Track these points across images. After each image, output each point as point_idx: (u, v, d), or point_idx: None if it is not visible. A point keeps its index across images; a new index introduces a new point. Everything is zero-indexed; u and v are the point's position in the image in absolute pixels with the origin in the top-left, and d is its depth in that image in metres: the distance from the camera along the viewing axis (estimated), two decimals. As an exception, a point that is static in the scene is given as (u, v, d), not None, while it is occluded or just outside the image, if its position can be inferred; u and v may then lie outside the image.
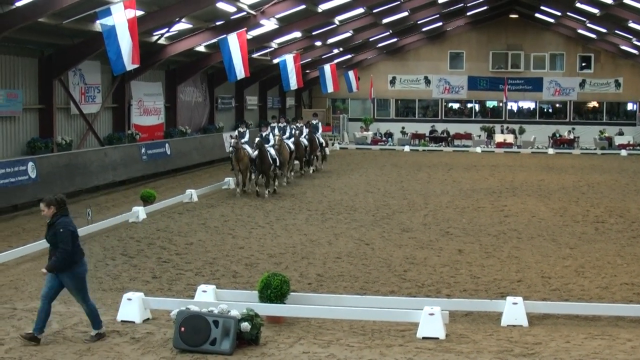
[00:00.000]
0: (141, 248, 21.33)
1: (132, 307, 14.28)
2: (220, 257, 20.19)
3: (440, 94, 68.40)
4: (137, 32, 25.52)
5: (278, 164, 33.16)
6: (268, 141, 32.78)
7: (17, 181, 26.97)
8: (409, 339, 13.25)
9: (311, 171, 41.37)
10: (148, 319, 14.36)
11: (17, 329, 13.75)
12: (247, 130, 33.63)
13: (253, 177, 33.35)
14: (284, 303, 14.24)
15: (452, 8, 56.96)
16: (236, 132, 33.09)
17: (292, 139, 37.69)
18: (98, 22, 26.28)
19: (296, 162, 39.61)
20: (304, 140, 39.42)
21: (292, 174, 38.66)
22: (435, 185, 36.33)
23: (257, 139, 32.05)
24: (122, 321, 14.18)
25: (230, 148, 32.39)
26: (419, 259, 19.95)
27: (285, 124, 38.92)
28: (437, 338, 13.16)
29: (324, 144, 43.39)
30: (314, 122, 42.77)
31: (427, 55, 68.04)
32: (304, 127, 40.52)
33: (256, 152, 31.79)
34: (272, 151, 32.63)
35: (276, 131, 35.39)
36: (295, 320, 14.26)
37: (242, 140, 32.28)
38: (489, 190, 34.43)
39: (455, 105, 69.82)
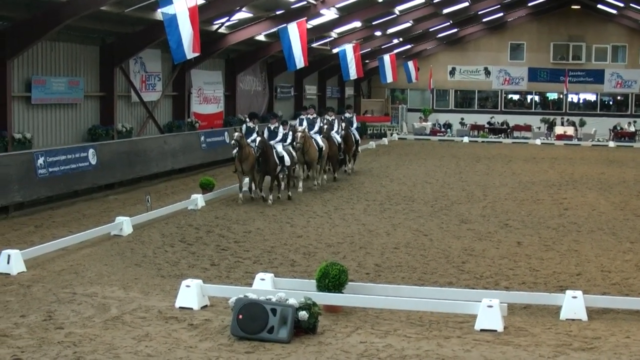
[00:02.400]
0: (200, 235, 21.44)
1: (190, 293, 14.35)
2: (278, 246, 20.24)
3: (500, 85, 67.92)
4: (197, 21, 25.61)
5: (288, 163, 27.95)
6: (276, 136, 27.91)
7: (77, 167, 27.23)
8: (466, 330, 13.18)
9: (348, 171, 36.34)
10: (206, 305, 14.43)
11: (77, 314, 13.89)
12: (257, 126, 28.24)
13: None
14: (342, 292, 14.22)
15: (513, -2, 56.65)
16: (243, 126, 28.20)
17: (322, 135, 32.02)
18: (159, 10, 26.41)
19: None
20: (337, 137, 33.68)
21: (325, 177, 33.08)
22: (494, 176, 36.11)
23: (259, 134, 27.21)
24: (180, 307, 14.25)
25: (233, 142, 26.63)
26: (478, 251, 19.84)
27: (315, 115, 32.83)
28: (495, 330, 13.06)
29: (359, 141, 37.98)
30: (348, 115, 37.59)
31: (487, 46, 67.59)
32: (335, 120, 34.51)
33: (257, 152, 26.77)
34: (279, 148, 27.63)
35: (304, 124, 31.35)
36: (352, 310, 14.24)
37: (251, 138, 27.13)
38: (548, 182, 34.14)
39: (515, 97, 69.29)
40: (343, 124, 35.39)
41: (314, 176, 31.37)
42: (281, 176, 28.66)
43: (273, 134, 27.86)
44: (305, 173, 31.66)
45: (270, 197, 26.81)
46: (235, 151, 26.75)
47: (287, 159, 27.73)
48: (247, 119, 29.29)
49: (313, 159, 30.22)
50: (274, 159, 26.93)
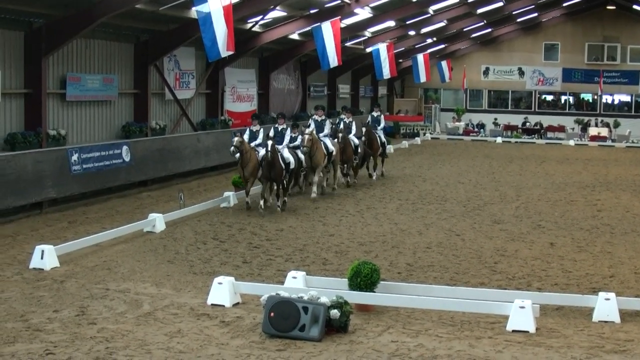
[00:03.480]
0: (232, 233, 21.50)
1: (222, 291, 14.40)
2: (310, 244, 20.26)
3: (533, 86, 67.56)
4: (232, 19, 25.65)
5: (292, 167, 26.04)
6: (282, 138, 26.00)
7: (111, 164, 27.36)
8: (498, 331, 13.15)
9: (374, 178, 33.75)
10: (238, 303, 14.48)
11: (110, 309, 13.97)
12: (262, 129, 26.22)
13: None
14: (374, 291, 14.22)
15: (548, -2, 56.36)
16: (247, 130, 26.30)
17: (336, 138, 30.05)
18: (194, 8, 26.47)
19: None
20: (354, 139, 31.37)
21: (340, 180, 31.06)
22: (527, 177, 35.95)
23: (269, 137, 25.04)
24: (212, 305, 14.31)
25: (232, 149, 24.81)
26: (510, 251, 19.77)
27: (324, 117, 30.05)
28: (527, 331, 13.02)
29: (386, 143, 35.72)
30: (375, 114, 35.09)
31: (521, 46, 67.26)
32: (352, 121, 32.05)
33: (262, 153, 24.87)
34: (286, 152, 25.77)
35: (312, 126, 28.86)
36: (384, 309, 14.24)
37: (255, 142, 25.67)
38: (582, 183, 33.96)
39: (549, 97, 68.93)
40: (364, 129, 32.69)
41: (311, 181, 28.23)
42: (293, 182, 27.26)
43: (279, 135, 25.87)
44: (319, 177, 28.48)
45: (279, 203, 25.17)
46: (233, 153, 24.82)
47: (293, 164, 25.85)
48: (252, 120, 27.08)
49: (318, 164, 27.74)
50: (280, 164, 24.85)
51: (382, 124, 34.79)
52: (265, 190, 25.26)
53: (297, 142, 26.59)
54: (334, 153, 29.10)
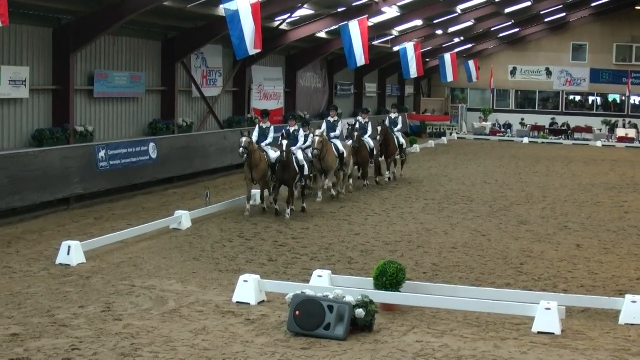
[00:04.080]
0: (258, 231, 21.52)
1: (248, 289, 14.43)
2: (336, 243, 20.26)
3: (561, 86, 67.22)
4: (259, 17, 25.68)
5: (306, 172, 24.93)
6: (296, 140, 25.03)
7: (138, 161, 27.45)
8: (523, 332, 13.10)
9: (387, 179, 32.61)
10: (263, 301, 14.49)
11: (135, 306, 14.02)
12: (272, 127, 25.26)
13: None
14: (399, 291, 14.21)
15: (576, -2, 56.08)
16: (255, 129, 25.06)
17: (350, 140, 29.43)
18: (221, 6, 26.51)
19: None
20: (369, 141, 30.39)
21: (347, 186, 29.28)
22: (554, 178, 35.81)
23: (283, 137, 23.84)
24: (237, 302, 14.34)
25: (241, 150, 23.46)
26: (536, 253, 19.70)
27: (336, 117, 28.99)
28: (553, 333, 12.96)
29: (404, 145, 33.80)
30: (393, 115, 33.79)
31: (549, 46, 66.94)
32: (369, 122, 30.95)
33: (275, 155, 24.10)
34: (300, 155, 24.66)
35: (323, 127, 27.98)
36: (409, 309, 14.21)
37: (265, 142, 24.64)
38: (609, 185, 33.78)
39: (577, 98, 68.56)
40: (379, 128, 31.61)
41: (329, 185, 27.37)
42: (300, 187, 25.52)
43: (292, 137, 24.70)
44: (324, 182, 27.54)
45: (288, 210, 23.72)
46: (242, 154, 23.60)
47: (307, 167, 24.77)
48: (262, 117, 25.95)
49: (330, 167, 26.85)
50: (294, 167, 23.85)
51: (400, 126, 33.64)
52: (277, 194, 24.05)
53: (308, 143, 25.41)
54: (346, 155, 28.05)
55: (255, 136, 24.37)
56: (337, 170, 27.74)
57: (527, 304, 13.61)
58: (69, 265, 16.96)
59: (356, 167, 30.26)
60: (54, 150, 24.09)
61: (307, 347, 12.06)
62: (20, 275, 16.11)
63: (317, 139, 25.45)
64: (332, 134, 28.00)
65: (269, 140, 24.65)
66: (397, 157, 33.38)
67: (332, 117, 28.80)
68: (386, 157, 32.38)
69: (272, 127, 25.08)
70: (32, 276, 16.10)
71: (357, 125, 30.27)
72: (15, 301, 14.13)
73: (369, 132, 30.75)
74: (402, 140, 33.46)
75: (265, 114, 25.79)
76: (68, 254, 17.13)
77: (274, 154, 24.17)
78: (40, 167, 22.99)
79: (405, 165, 34.83)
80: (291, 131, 24.96)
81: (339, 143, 27.90)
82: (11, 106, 24.22)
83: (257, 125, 25.29)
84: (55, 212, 23.48)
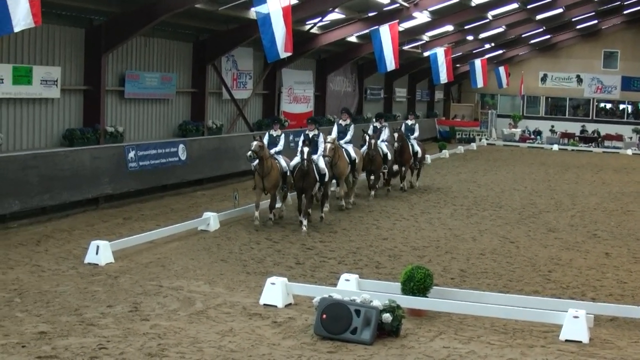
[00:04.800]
0: (286, 234, 21.52)
1: (275, 291, 14.44)
2: (363, 247, 20.24)
3: (591, 93, 66.86)
4: (290, 21, 25.69)
5: (326, 179, 23.54)
6: (316, 146, 23.14)
7: (167, 162, 27.54)
8: (551, 340, 13.04)
9: (404, 188, 31.44)
10: (290, 304, 14.50)
11: (163, 306, 14.07)
12: (283, 134, 23.74)
13: (284, 200, 24.50)
14: (426, 296, 14.19)
15: (608, 6, 55.67)
16: (266, 135, 23.51)
17: (367, 145, 28.22)
18: (253, 9, 26.56)
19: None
20: (383, 147, 29.02)
21: (353, 197, 27.47)
22: (584, 186, 35.65)
23: (305, 144, 22.37)
24: (264, 305, 14.35)
25: (250, 154, 22.17)
26: (565, 260, 19.60)
27: (348, 121, 27.25)
28: (581, 342, 12.89)
29: (419, 153, 32.31)
30: (410, 122, 32.79)
31: (580, 53, 66.61)
32: (385, 128, 29.90)
33: (295, 162, 22.95)
34: (322, 162, 23.21)
35: (334, 132, 26.75)
36: (436, 315, 14.18)
37: (275, 150, 23.11)
38: (639, 193, 33.57)
39: (607, 106, 68.19)
40: (396, 134, 30.51)
41: (340, 195, 26.26)
42: (319, 195, 24.05)
43: (312, 143, 22.88)
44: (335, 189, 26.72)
45: (305, 222, 22.18)
46: (255, 164, 22.40)
47: (327, 174, 23.45)
48: (272, 123, 24.72)
49: (342, 174, 25.77)
50: (314, 175, 22.47)
51: (416, 133, 32.54)
52: (300, 202, 22.54)
53: (281, 144, 23.47)
54: (357, 161, 26.90)
55: (265, 143, 22.82)
56: (346, 177, 26.60)
57: (555, 312, 13.55)
58: (97, 264, 17.03)
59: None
60: (85, 150, 24.21)
61: (334, 350, 12.06)
62: (48, 274, 16.19)
63: (328, 145, 24.27)
64: (343, 140, 26.47)
65: (279, 147, 23.22)
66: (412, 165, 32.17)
67: (344, 121, 27.23)
68: (400, 165, 30.96)
69: (283, 135, 23.67)
70: (60, 275, 16.18)
71: (370, 129, 29.36)
72: (43, 299, 14.21)
73: (383, 136, 29.57)
74: (417, 148, 32.20)
75: (312, 120, 24.54)
76: (97, 253, 17.21)
77: (284, 163, 23.09)
78: (70, 166, 23.11)
79: (422, 174, 33.75)
80: (310, 136, 23.26)
81: (350, 149, 26.76)
82: (42, 106, 24.36)
83: (267, 132, 23.82)
84: (85, 211, 23.60)
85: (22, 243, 18.98)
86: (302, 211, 22.33)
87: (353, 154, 26.68)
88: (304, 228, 21.93)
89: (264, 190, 22.56)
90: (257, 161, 22.23)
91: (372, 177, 29.00)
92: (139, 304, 14.13)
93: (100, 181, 24.26)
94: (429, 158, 39.40)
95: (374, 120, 31.08)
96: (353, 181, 27.29)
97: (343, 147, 26.27)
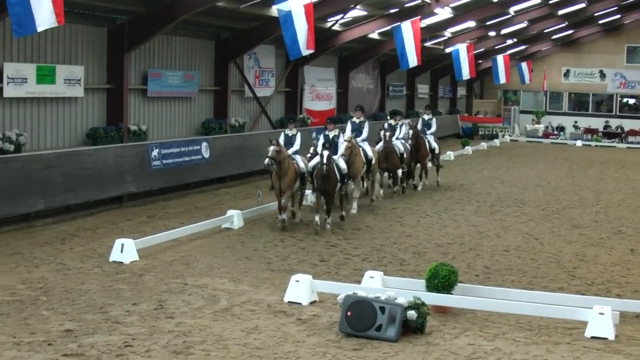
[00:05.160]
0: (309, 231, 21.54)
1: (299, 289, 14.46)
2: (387, 244, 20.23)
3: (615, 89, 66.47)
4: (312, 18, 25.68)
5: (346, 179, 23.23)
6: (336, 147, 22.86)
7: (191, 160, 27.61)
8: (576, 337, 13.00)
9: (419, 188, 30.62)
10: (314, 301, 14.52)
11: (187, 304, 14.11)
12: (299, 134, 23.21)
13: (306, 200, 24.47)
14: (451, 293, 14.17)
15: (630, 0, 55.41)
16: (281, 135, 23.20)
17: (379, 144, 27.71)
18: (274, 7, 26.54)
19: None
20: (398, 144, 28.26)
21: (378, 194, 27.14)
22: (608, 182, 35.49)
23: (317, 143, 22.92)
24: (289, 302, 14.39)
25: (267, 162, 21.68)
26: (589, 257, 19.54)
27: (363, 119, 26.47)
28: (606, 338, 12.85)
29: (436, 150, 31.58)
30: (426, 117, 32.21)
31: (603, 48, 66.23)
32: (401, 125, 29.26)
33: (314, 162, 22.51)
34: (342, 163, 22.81)
35: (348, 130, 25.87)
36: (461, 312, 14.17)
37: (292, 150, 22.68)
38: (664, 189, 33.46)
39: (631, 101, 67.81)
40: (411, 131, 29.96)
41: (355, 196, 25.06)
42: (339, 196, 23.41)
43: (332, 144, 22.59)
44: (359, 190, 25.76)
45: (328, 221, 22.02)
46: (269, 166, 21.88)
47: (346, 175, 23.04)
48: (287, 122, 24.04)
49: (357, 173, 24.93)
50: (335, 176, 22.06)
51: (433, 128, 31.79)
52: (318, 204, 22.09)
53: (297, 144, 23.00)
54: (374, 161, 26.05)
55: (282, 145, 22.37)
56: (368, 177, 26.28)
57: (580, 309, 13.51)
58: (122, 262, 17.11)
59: (386, 173, 28.48)
60: (108, 148, 24.30)
61: (359, 347, 12.07)
62: (73, 272, 16.27)
63: (345, 144, 23.41)
64: (359, 138, 25.50)
65: (296, 147, 22.77)
66: (429, 163, 31.51)
67: (358, 118, 26.45)
68: (416, 162, 30.49)
69: (299, 134, 23.13)
70: (85, 273, 16.25)
71: (387, 127, 28.38)
72: (69, 297, 14.28)
73: (400, 134, 28.99)
74: (434, 145, 31.47)
75: (291, 119, 23.99)
76: (121, 251, 17.28)
77: (302, 164, 22.65)
78: (94, 165, 23.20)
79: (442, 171, 32.81)
80: (330, 137, 22.91)
81: (367, 147, 25.86)
82: (66, 105, 24.45)
83: (283, 132, 23.46)
84: (109, 209, 23.70)
85: (47, 242, 19.09)
86: (322, 210, 22.05)
87: (370, 153, 25.82)
88: (328, 226, 21.71)
89: (280, 191, 22.04)
90: (272, 165, 21.78)
91: (391, 177, 28.63)
92: (164, 302, 14.18)
93: (124, 179, 24.35)
94: (452, 154, 38.82)
95: (388, 117, 30.28)
96: (371, 182, 26.54)
97: (360, 146, 25.41)
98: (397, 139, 28.55)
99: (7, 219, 20.27)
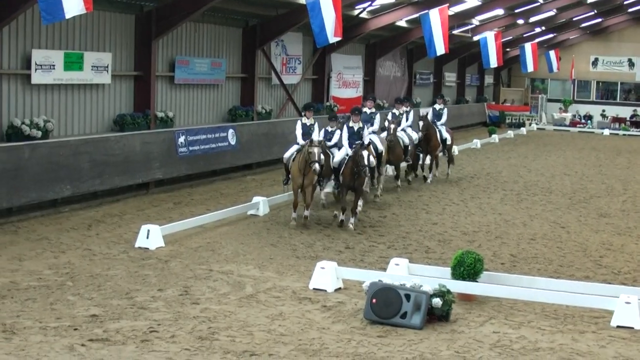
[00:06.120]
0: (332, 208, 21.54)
1: (324, 275, 14.47)
2: (413, 232, 20.21)
3: (644, 77, 66.13)
4: (340, 5, 25.63)
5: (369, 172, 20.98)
6: (361, 140, 21.37)
7: (217, 147, 27.65)
8: (602, 326, 12.95)
9: (428, 180, 29.22)
10: (340, 288, 14.53)
11: (213, 290, 14.15)
12: (317, 123, 21.89)
13: (324, 195, 22.76)
14: (477, 281, 14.15)
15: (661, -11, 55.12)
16: (298, 123, 21.85)
17: (384, 134, 25.71)
18: (303, -6, 26.58)
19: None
20: (403, 135, 26.87)
21: (381, 188, 25.25)
22: (635, 171, 35.30)
23: (340, 134, 21.49)
24: (314, 289, 14.40)
25: (315, 165, 19.67)
26: (616, 246, 19.45)
27: (373, 109, 25.56)
28: (633, 328, 12.80)
29: (447, 140, 30.28)
30: (438, 106, 30.62)
31: (632, 36, 65.75)
32: (406, 114, 27.74)
33: (340, 157, 21.11)
34: (371, 157, 20.97)
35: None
36: (486, 300, 14.14)
37: (328, 144, 21.56)
38: (692, 178, 33.25)
39: (660, 90, 67.37)
40: (421, 123, 28.75)
41: (365, 190, 22.12)
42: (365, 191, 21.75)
43: (356, 136, 21.52)
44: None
45: (352, 221, 20.65)
46: (289, 156, 20.84)
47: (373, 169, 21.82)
48: (303, 113, 22.72)
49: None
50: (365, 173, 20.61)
51: (444, 118, 30.25)
52: (344, 200, 21.02)
53: (335, 139, 21.66)
54: (383, 154, 24.78)
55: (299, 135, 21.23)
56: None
57: (607, 297, 13.47)
58: (148, 248, 17.17)
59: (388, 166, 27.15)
60: (135, 135, 24.37)
61: (384, 335, 12.07)
62: (100, 258, 16.34)
63: (375, 136, 22.38)
64: (369, 130, 23.67)
65: (334, 141, 21.57)
66: (440, 154, 30.00)
67: (370, 109, 25.54)
68: (426, 153, 29.43)
69: (317, 124, 21.74)
70: (111, 259, 16.32)
71: (390, 118, 26.82)
72: (95, 283, 14.36)
73: (404, 124, 27.53)
74: (446, 135, 30.02)
75: (307, 107, 22.67)
76: (147, 237, 17.34)
77: (338, 158, 21.17)
78: (121, 151, 23.28)
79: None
80: (355, 129, 21.77)
81: (376, 139, 24.47)
82: (93, 91, 24.52)
83: (299, 122, 21.72)
84: (135, 196, 23.78)
85: (73, 227, 19.18)
86: (347, 209, 20.86)
87: (380, 146, 24.41)
88: (351, 225, 20.42)
89: (302, 188, 20.44)
90: (293, 155, 20.84)
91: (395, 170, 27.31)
92: (190, 288, 14.23)
93: (151, 166, 24.42)
94: (456, 149, 36.58)
95: (403, 106, 28.36)
96: (378, 177, 24.55)
97: (370, 139, 23.54)
98: (402, 130, 27.27)
99: (34, 205, 20.36)
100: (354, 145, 21.01)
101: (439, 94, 34.40)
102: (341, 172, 20.96)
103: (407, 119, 27.73)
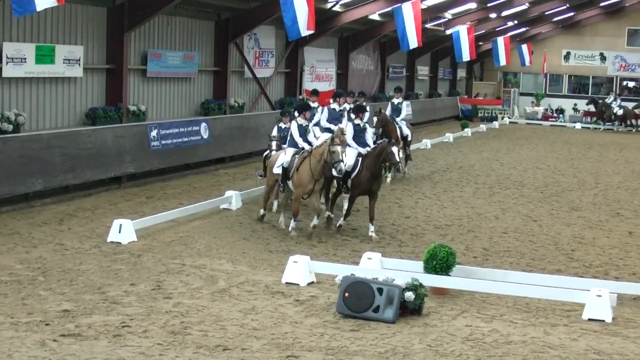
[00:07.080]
0: (308, 212, 21.45)
1: (297, 269, 14.47)
2: (386, 226, 20.24)
3: (615, 72, 66.36)
4: (313, -1, 25.69)
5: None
6: (364, 137, 19.96)
7: (190, 141, 27.58)
8: (574, 319, 13.01)
9: (388, 181, 26.48)
10: (312, 282, 14.53)
11: (185, 285, 14.12)
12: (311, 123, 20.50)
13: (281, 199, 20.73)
14: (449, 275, 14.19)
15: (633, -17, 55.38)
16: (274, 129, 21.83)
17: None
18: (275, -13, 26.53)
19: None
20: (402, 126, 26.83)
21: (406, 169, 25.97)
22: (607, 164, 35.48)
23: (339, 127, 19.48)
24: (287, 283, 14.40)
25: (341, 168, 17.81)
26: (588, 239, 19.56)
27: (401, 100, 25.80)
28: (604, 321, 12.87)
29: (408, 137, 28.42)
30: (396, 101, 28.69)
31: (604, 30, 66.04)
32: (402, 103, 27.48)
33: (354, 160, 19.06)
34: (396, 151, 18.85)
35: (345, 122, 21.14)
36: (459, 293, 14.19)
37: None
38: (663, 172, 33.45)
39: (631, 84, 67.67)
40: (375, 118, 26.46)
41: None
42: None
43: (361, 134, 20.02)
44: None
45: (372, 229, 19.06)
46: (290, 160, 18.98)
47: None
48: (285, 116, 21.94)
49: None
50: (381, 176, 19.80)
51: (404, 114, 28.61)
52: (351, 207, 19.85)
53: (321, 140, 19.14)
54: (409, 137, 25.34)
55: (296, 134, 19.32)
56: None
57: (578, 291, 13.56)
58: (120, 243, 17.11)
59: None
60: (107, 129, 24.28)
61: (356, 329, 12.08)
62: (72, 252, 16.27)
63: (338, 147, 18.04)
64: (399, 117, 24.25)
65: (320, 139, 19.57)
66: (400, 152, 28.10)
67: (397, 99, 27.22)
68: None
69: (310, 125, 20.26)
70: (83, 253, 16.25)
71: (389, 109, 27.22)
72: (67, 278, 14.29)
73: (405, 114, 27.85)
74: (407, 131, 28.33)
75: (284, 113, 22.22)
76: (119, 232, 17.28)
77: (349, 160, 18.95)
78: (93, 145, 23.18)
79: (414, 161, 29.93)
80: (361, 126, 20.20)
81: (403, 124, 25.20)
82: (65, 85, 24.41)
83: (295, 123, 19.54)
84: (108, 190, 23.69)
85: (45, 222, 19.08)
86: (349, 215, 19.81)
87: (406, 130, 24.64)
88: (374, 234, 18.86)
89: (310, 194, 18.81)
90: (293, 160, 18.90)
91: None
92: (162, 282, 14.19)
93: (123, 160, 24.32)
94: (429, 143, 36.67)
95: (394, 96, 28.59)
96: (404, 157, 24.46)
97: (397, 124, 24.29)
98: (401, 120, 27.77)
99: (5, 199, 20.24)
100: (378, 142, 19.62)
101: (396, 87, 31.18)
102: (353, 176, 19.06)
103: (404, 111, 28.15)
